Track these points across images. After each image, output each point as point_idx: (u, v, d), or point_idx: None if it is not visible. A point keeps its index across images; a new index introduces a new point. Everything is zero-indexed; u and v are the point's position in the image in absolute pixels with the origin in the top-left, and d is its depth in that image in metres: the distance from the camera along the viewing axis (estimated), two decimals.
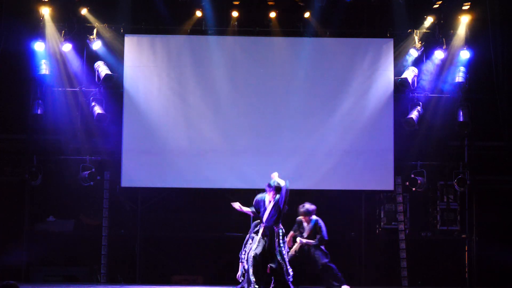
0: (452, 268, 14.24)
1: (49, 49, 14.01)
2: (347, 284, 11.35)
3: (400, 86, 14.16)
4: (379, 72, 14.23)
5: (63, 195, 14.37)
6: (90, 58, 14.19)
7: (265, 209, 10.76)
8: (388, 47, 14.28)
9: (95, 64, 14.09)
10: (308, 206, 11.56)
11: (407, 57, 14.26)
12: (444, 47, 14.11)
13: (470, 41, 14.06)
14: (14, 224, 14.15)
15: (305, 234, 11.49)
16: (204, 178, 13.95)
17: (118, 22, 14.21)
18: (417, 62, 14.26)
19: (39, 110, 13.91)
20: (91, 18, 14.08)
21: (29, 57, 14.00)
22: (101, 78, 13.96)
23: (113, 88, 14.18)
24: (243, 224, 14.32)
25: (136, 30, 14.28)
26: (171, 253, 14.34)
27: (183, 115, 14.14)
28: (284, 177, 13.92)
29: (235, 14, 14.15)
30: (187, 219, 14.42)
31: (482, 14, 14.00)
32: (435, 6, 14.09)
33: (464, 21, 14.02)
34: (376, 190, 14.30)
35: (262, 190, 14.23)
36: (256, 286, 10.39)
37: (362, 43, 14.36)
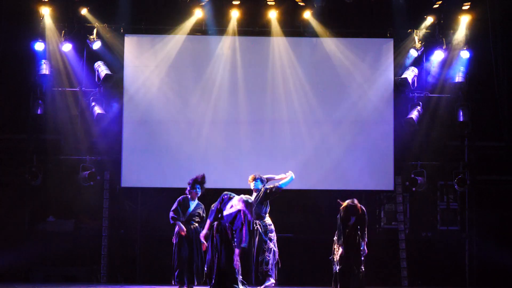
0: (452, 268, 14.23)
1: (49, 49, 14.02)
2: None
3: (400, 86, 14.17)
4: (379, 72, 14.23)
5: (63, 195, 14.37)
6: (90, 58, 14.20)
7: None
8: (388, 47, 14.29)
9: (95, 64, 14.10)
10: None
11: (407, 57, 14.27)
12: (444, 47, 14.12)
13: (470, 41, 14.06)
14: (14, 224, 14.14)
15: None
16: None
17: (118, 22, 14.21)
18: (417, 62, 14.27)
19: (39, 110, 13.92)
20: (91, 18, 14.09)
21: (29, 57, 14.01)
22: (101, 78, 13.97)
23: (113, 88, 14.18)
24: None
25: (136, 30, 14.28)
26: (171, 253, 14.31)
27: (183, 115, 14.14)
28: None
29: (235, 14, 14.15)
30: None
31: (482, 14, 14.01)
32: (435, 6, 14.09)
33: (464, 21, 14.03)
34: (376, 190, 14.30)
35: None
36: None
37: (362, 43, 14.36)
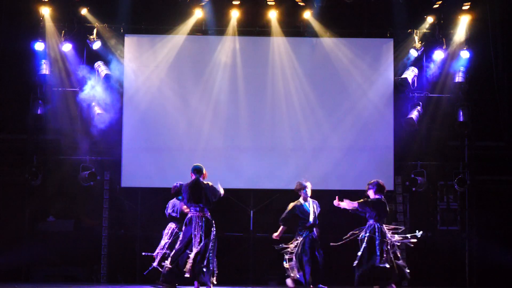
0: (452, 268, 14.23)
1: (49, 49, 14.02)
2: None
3: (400, 86, 14.17)
4: (379, 72, 14.23)
5: (63, 195, 14.38)
6: (90, 58, 14.19)
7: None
8: (388, 47, 14.29)
9: (95, 64, 14.10)
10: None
11: (407, 57, 14.26)
12: (444, 47, 14.12)
13: (470, 41, 14.06)
14: (14, 224, 14.16)
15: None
16: None
17: (118, 22, 14.22)
18: (417, 62, 14.27)
19: (39, 110, 13.92)
20: (91, 18, 14.09)
21: (29, 57, 14.00)
22: (101, 78, 13.97)
23: (113, 88, 14.17)
24: (243, 224, 14.35)
25: (136, 30, 14.28)
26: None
27: (183, 115, 14.14)
28: (284, 177, 14.02)
29: (235, 14, 14.14)
30: None
31: (482, 14, 14.02)
32: (435, 6, 14.09)
33: (464, 21, 14.03)
34: None
35: (262, 190, 14.29)
36: None
37: (362, 43, 14.36)
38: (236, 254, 14.25)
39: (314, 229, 11.50)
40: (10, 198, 14.31)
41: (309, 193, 11.49)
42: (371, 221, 10.66)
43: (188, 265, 10.57)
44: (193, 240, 10.67)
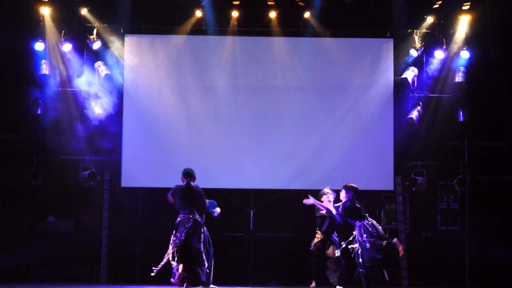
0: (452, 268, 14.23)
1: (49, 49, 14.02)
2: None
3: (400, 86, 14.17)
4: (379, 72, 14.23)
5: (63, 195, 14.39)
6: (90, 58, 14.20)
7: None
8: (388, 47, 14.29)
9: (95, 64, 14.10)
10: None
11: (407, 57, 14.27)
12: (444, 47, 14.12)
13: (470, 41, 14.07)
14: (14, 224, 14.16)
15: None
16: (204, 178, 13.89)
17: (118, 22, 14.22)
18: (417, 62, 14.27)
19: (39, 110, 13.93)
20: (91, 18, 14.10)
21: (29, 57, 14.01)
22: (101, 78, 13.97)
23: (113, 88, 14.17)
24: (243, 224, 14.36)
25: (136, 30, 14.28)
26: None
27: (183, 115, 14.14)
28: (284, 177, 14.02)
29: (235, 14, 14.15)
30: None
31: (482, 14, 14.01)
32: (435, 6, 14.09)
33: (464, 21, 14.03)
34: (376, 190, 14.29)
35: (262, 190, 14.29)
36: None
37: (362, 43, 14.37)
38: (236, 254, 14.26)
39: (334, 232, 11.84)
40: (10, 198, 14.31)
41: (331, 198, 11.63)
42: (358, 223, 10.70)
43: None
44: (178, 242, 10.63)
